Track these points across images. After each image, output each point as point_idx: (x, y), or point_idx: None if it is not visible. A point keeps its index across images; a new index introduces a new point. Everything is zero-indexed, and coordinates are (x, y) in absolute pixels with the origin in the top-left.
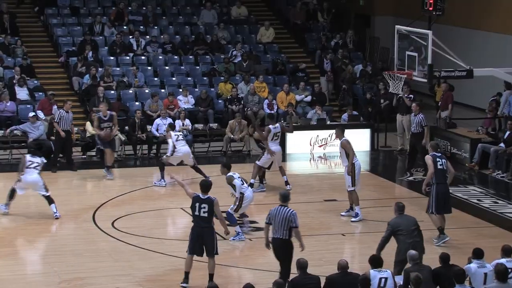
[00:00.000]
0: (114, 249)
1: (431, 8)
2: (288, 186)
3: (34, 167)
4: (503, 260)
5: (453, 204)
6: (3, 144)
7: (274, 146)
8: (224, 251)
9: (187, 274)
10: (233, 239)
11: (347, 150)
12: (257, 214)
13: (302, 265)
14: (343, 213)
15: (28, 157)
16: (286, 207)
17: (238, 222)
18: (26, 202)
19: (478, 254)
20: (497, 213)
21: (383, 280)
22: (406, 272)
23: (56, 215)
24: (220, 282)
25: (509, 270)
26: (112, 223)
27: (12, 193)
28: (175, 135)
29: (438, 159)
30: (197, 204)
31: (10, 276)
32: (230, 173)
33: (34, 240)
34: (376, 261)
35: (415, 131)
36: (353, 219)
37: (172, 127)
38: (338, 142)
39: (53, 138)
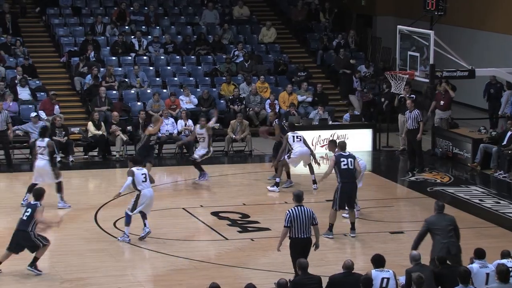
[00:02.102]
0: (116, 249)
1: (433, 8)
2: (314, 185)
3: (41, 152)
4: (504, 260)
5: (453, 204)
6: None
7: (300, 148)
8: (226, 251)
9: None
10: (121, 238)
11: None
12: (259, 215)
13: (303, 265)
14: (344, 215)
15: (38, 141)
16: (303, 206)
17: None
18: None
19: (479, 254)
20: (499, 213)
21: (385, 280)
22: (408, 273)
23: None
24: (222, 282)
25: (511, 270)
26: (114, 223)
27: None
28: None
29: (343, 159)
30: (23, 209)
31: (11, 276)
32: (133, 168)
33: None
34: (378, 261)
35: (411, 127)
36: (344, 215)
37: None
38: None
39: (55, 138)
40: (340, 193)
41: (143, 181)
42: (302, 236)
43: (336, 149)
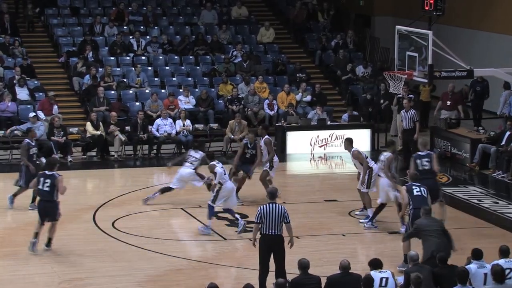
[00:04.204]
0: (114, 250)
1: (431, 8)
2: None
3: (191, 162)
4: (501, 261)
5: (452, 204)
6: (4, 144)
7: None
8: (224, 251)
9: None
10: (203, 229)
11: (360, 160)
12: None
13: (304, 265)
14: (357, 213)
15: (192, 151)
16: (276, 204)
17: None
18: (26, 202)
19: (477, 254)
20: (497, 213)
21: (384, 280)
22: (406, 273)
23: None
24: (220, 282)
25: (507, 271)
26: (113, 224)
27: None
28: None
29: (415, 187)
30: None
31: (10, 276)
32: (213, 162)
33: None
34: (375, 264)
35: (407, 127)
36: (362, 221)
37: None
38: (348, 154)
39: (53, 138)
40: (412, 220)
41: (224, 174)
42: (271, 233)
43: (409, 179)
